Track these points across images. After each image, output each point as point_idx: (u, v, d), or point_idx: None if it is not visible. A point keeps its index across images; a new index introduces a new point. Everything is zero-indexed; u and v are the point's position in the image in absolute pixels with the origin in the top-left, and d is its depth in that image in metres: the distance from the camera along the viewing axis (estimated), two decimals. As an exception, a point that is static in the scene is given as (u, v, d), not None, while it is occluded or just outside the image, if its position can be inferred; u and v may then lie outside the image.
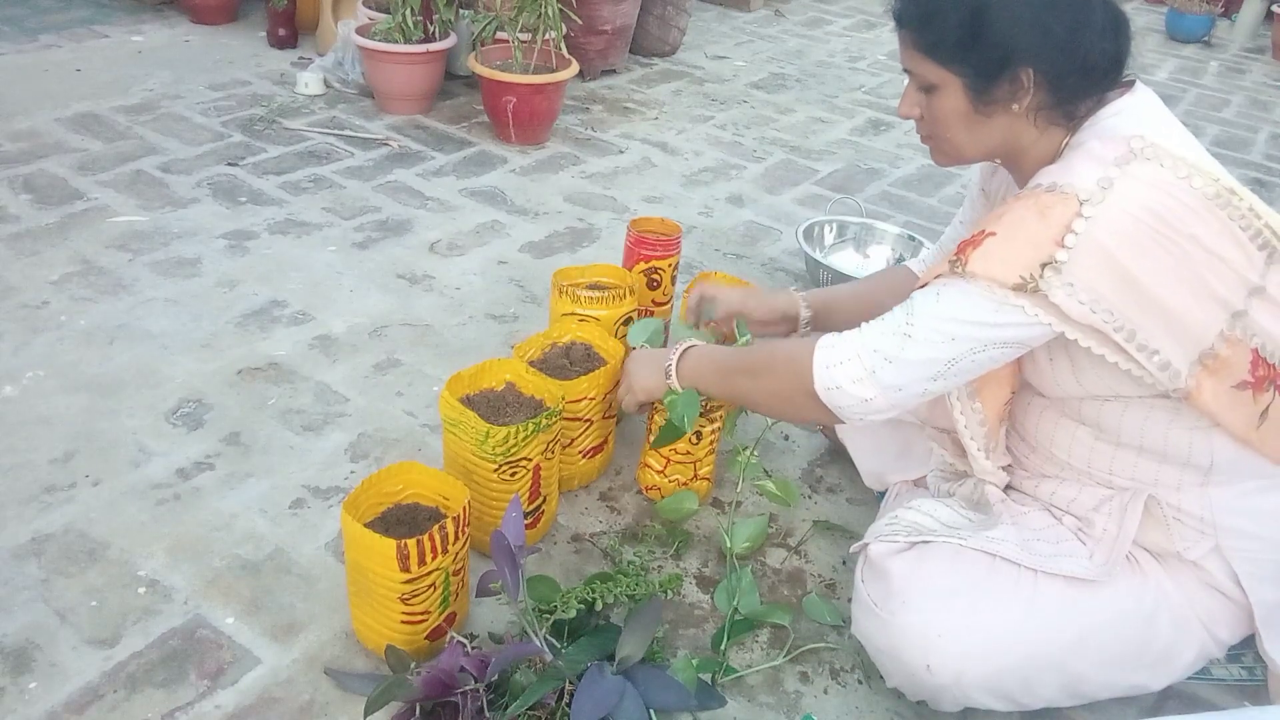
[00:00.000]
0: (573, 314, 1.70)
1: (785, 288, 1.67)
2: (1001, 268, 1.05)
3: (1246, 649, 1.27)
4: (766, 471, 1.61)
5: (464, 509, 1.24)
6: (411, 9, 2.95)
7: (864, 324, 1.19)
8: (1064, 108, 1.13)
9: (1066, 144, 1.15)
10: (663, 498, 1.61)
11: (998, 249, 1.06)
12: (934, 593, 1.18)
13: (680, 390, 1.43)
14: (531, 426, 1.37)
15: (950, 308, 1.10)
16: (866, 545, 1.29)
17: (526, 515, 1.44)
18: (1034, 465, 1.31)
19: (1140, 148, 1.05)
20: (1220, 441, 1.14)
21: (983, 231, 1.08)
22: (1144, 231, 1.02)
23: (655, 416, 1.58)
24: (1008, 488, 1.33)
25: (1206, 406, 1.09)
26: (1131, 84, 1.16)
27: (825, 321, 1.59)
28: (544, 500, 1.48)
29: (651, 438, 1.58)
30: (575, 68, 2.99)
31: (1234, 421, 1.11)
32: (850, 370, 1.16)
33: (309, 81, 3.15)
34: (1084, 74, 1.10)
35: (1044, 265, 1.03)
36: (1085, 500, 1.24)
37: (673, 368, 1.44)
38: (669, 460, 1.59)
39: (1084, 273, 1.02)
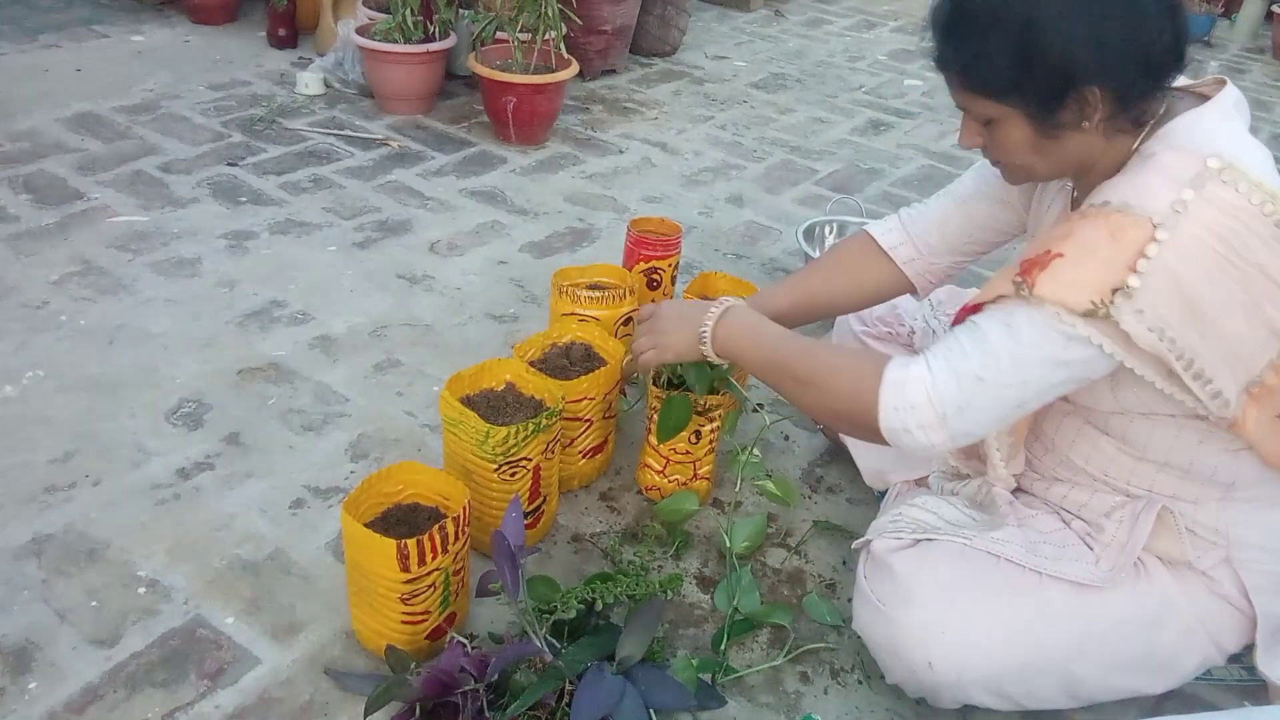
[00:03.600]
0: (573, 314, 1.70)
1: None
2: (1071, 291, 1.00)
3: (1247, 650, 1.27)
4: (767, 472, 1.61)
5: (464, 509, 1.24)
6: (411, 9, 2.95)
7: (930, 358, 1.10)
8: (1131, 113, 1.05)
9: (1135, 150, 1.09)
10: (663, 498, 1.61)
11: (1067, 271, 1.01)
12: (938, 590, 1.18)
13: (715, 360, 1.34)
14: (531, 426, 1.37)
15: (1022, 345, 1.03)
16: (869, 541, 1.29)
17: (526, 515, 1.44)
18: (1047, 468, 1.29)
19: (1217, 168, 0.99)
20: (1247, 462, 1.13)
21: (1048, 251, 1.03)
22: (1214, 259, 0.98)
23: (654, 417, 1.57)
24: (1016, 490, 1.32)
25: (1248, 434, 1.07)
26: (1221, 82, 1.10)
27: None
28: (544, 500, 1.48)
29: (652, 435, 1.58)
30: (575, 68, 2.99)
31: (1271, 449, 1.09)
32: (921, 416, 1.08)
33: (309, 81, 3.15)
34: (1147, 74, 1.03)
35: (1115, 290, 0.98)
36: (1097, 505, 1.23)
37: (708, 333, 1.31)
38: (669, 460, 1.59)
39: (1153, 299, 0.98)
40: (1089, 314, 0.99)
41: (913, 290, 1.48)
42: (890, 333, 1.62)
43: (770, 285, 1.57)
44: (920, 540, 1.25)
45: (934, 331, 1.57)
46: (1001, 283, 1.07)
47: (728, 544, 1.51)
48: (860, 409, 1.13)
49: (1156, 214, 0.98)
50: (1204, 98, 1.09)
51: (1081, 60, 1.00)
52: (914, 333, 1.60)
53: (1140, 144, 1.08)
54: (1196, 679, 1.32)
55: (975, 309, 1.12)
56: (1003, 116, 1.07)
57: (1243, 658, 1.31)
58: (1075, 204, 1.24)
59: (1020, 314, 1.04)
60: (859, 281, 1.48)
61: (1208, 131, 1.04)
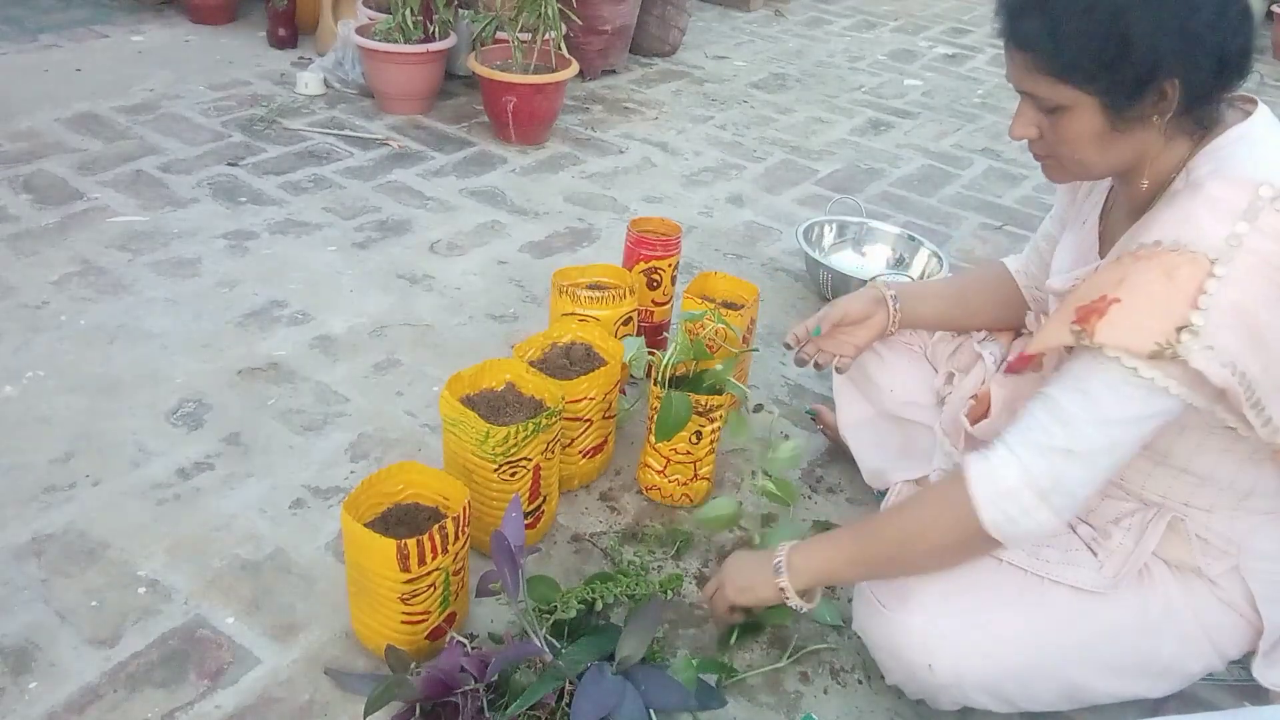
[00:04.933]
0: (573, 314, 1.70)
1: (873, 283, 1.52)
2: (1133, 336, 0.97)
3: (1247, 656, 1.27)
4: (766, 472, 1.61)
5: (464, 509, 1.24)
6: (411, 9, 2.95)
7: (1009, 439, 1.06)
8: (1195, 114, 1.04)
9: (1186, 165, 1.06)
10: (663, 498, 1.61)
11: (1125, 316, 0.98)
12: (939, 592, 1.18)
13: (791, 594, 1.22)
14: (531, 426, 1.37)
15: (1103, 410, 1.01)
16: None
17: (526, 515, 1.44)
18: None
19: (1270, 197, 0.96)
20: (1269, 472, 1.13)
21: (1104, 297, 1.01)
22: (1274, 290, 0.96)
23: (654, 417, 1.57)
24: None
25: None
26: (1252, 102, 1.09)
27: (910, 311, 1.49)
28: (544, 500, 1.48)
29: (652, 435, 1.58)
30: (575, 68, 2.99)
31: None
32: (1021, 500, 1.04)
33: (309, 81, 3.15)
34: (1220, 74, 1.01)
35: (1179, 329, 0.95)
36: (1106, 511, 1.22)
37: (782, 564, 1.23)
38: (669, 460, 1.59)
39: (1220, 334, 0.96)
40: (1155, 355, 0.96)
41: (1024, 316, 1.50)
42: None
43: (913, 289, 1.54)
44: None
45: (959, 347, 1.55)
46: (1058, 331, 1.04)
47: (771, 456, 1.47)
48: (966, 526, 1.07)
49: (1211, 249, 0.96)
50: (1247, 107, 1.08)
51: (1168, 50, 0.98)
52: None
53: (1191, 158, 1.06)
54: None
55: (1029, 359, 1.10)
56: (1075, 104, 1.04)
57: (1242, 663, 1.31)
58: (1108, 211, 1.23)
59: (1094, 379, 1.01)
60: (994, 300, 1.50)
61: (1256, 158, 1.02)
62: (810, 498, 1.70)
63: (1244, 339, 0.96)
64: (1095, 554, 1.20)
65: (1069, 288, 1.23)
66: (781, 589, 1.22)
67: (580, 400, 1.53)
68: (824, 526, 1.62)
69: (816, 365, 1.50)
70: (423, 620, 1.25)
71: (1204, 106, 1.04)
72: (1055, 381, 1.05)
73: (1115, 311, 0.99)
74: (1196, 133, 1.06)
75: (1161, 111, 1.03)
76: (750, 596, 1.28)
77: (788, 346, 1.51)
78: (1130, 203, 1.15)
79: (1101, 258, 1.21)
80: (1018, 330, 1.50)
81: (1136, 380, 0.99)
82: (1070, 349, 1.06)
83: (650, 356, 1.60)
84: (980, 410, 1.36)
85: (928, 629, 1.17)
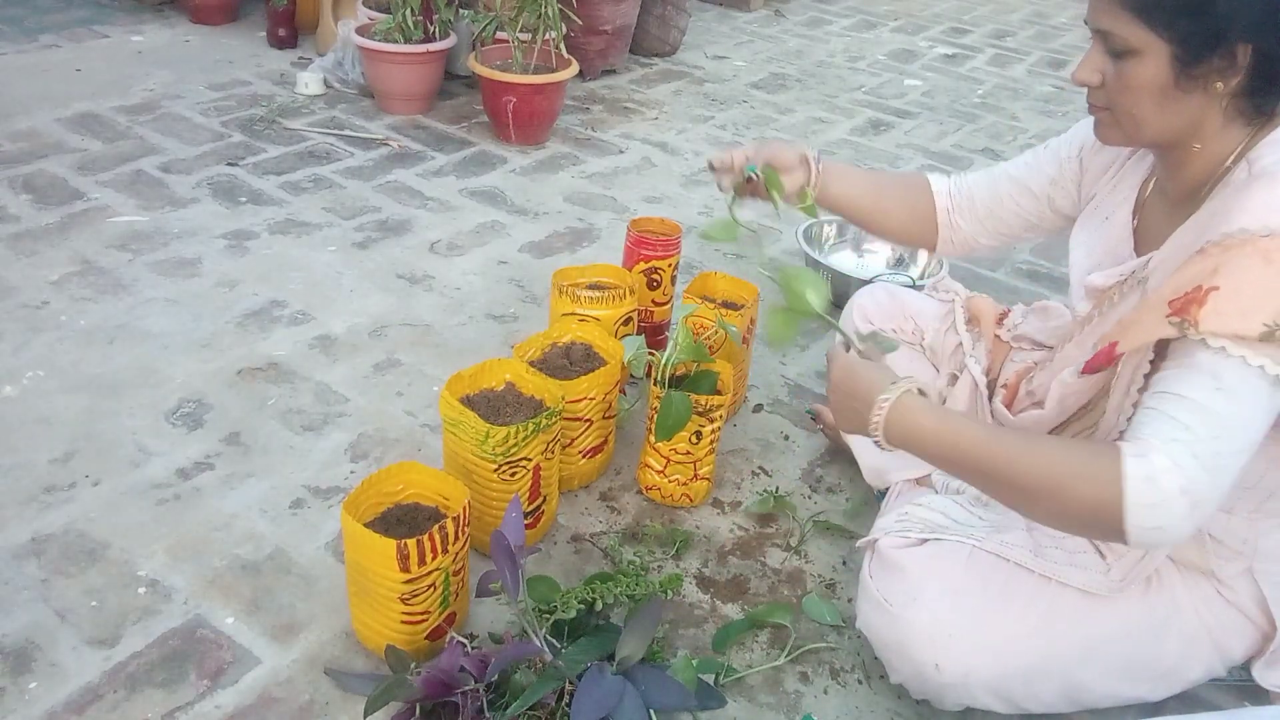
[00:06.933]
0: (573, 314, 1.70)
1: (805, 147, 1.48)
2: (1241, 321, 0.96)
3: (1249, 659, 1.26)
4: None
5: (464, 509, 1.24)
6: (411, 9, 2.95)
7: (1163, 445, 0.96)
8: (1256, 99, 1.04)
9: (1243, 155, 1.07)
10: (663, 498, 1.61)
11: (1229, 302, 0.96)
12: (947, 591, 1.18)
13: (883, 443, 1.11)
14: (531, 426, 1.37)
15: (1243, 406, 0.97)
16: (875, 540, 1.28)
17: (526, 515, 1.44)
18: None
19: None
20: None
21: (1199, 288, 0.99)
22: None
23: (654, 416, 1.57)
24: None
25: None
26: None
27: (828, 186, 1.46)
28: (544, 500, 1.48)
29: (652, 435, 1.58)
30: (575, 68, 2.99)
31: None
32: (1174, 509, 0.96)
33: (309, 81, 3.15)
34: None
35: None
36: None
37: (880, 423, 1.09)
38: (669, 460, 1.59)
39: None
40: (1265, 338, 0.95)
41: (933, 246, 1.50)
42: (894, 329, 1.62)
43: (837, 168, 1.49)
44: (927, 540, 1.24)
45: (961, 345, 1.55)
46: (1152, 326, 1.03)
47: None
48: (1104, 514, 0.98)
49: None
50: None
51: (1250, 11, 0.98)
52: (924, 335, 1.59)
53: (1251, 149, 1.06)
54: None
55: (1113, 358, 1.09)
56: (1146, 49, 1.04)
57: (1242, 664, 1.30)
58: (1141, 206, 1.23)
59: (1227, 372, 0.97)
60: (907, 205, 1.49)
61: None
62: (810, 498, 1.70)
63: None
64: (1104, 557, 1.19)
65: (1112, 284, 1.22)
66: (874, 434, 1.11)
67: (580, 400, 1.53)
68: (825, 527, 1.62)
69: (721, 187, 1.47)
70: (423, 620, 1.26)
71: (1269, 91, 1.04)
72: (1186, 380, 0.99)
73: (1216, 299, 0.98)
74: (1256, 121, 1.06)
75: (1227, 79, 1.03)
76: (845, 428, 1.17)
77: (711, 167, 1.47)
78: (1177, 191, 1.14)
79: (1138, 254, 1.20)
80: (1000, 317, 1.50)
81: (1251, 372, 0.96)
82: (1160, 346, 1.05)
83: (650, 356, 1.61)
84: (1009, 398, 1.37)
85: (935, 628, 1.16)
